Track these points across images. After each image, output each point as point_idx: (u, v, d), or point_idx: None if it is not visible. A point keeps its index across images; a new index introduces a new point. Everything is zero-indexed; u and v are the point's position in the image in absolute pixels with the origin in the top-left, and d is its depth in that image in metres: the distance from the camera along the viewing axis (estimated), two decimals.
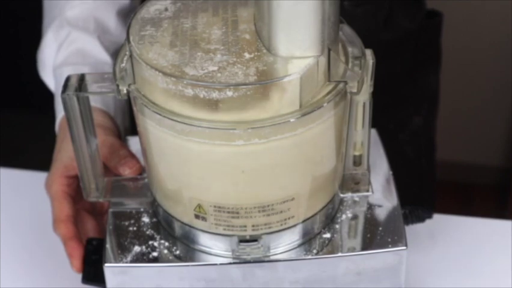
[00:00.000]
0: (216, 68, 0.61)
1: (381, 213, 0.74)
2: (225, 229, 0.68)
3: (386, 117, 0.94)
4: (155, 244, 0.72)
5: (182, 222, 0.70)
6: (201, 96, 0.60)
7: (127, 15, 0.97)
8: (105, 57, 0.90)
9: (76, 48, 0.90)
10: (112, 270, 0.70)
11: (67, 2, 0.93)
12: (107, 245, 0.72)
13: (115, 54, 0.90)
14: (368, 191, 0.75)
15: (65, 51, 0.90)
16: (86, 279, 0.75)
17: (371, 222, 0.73)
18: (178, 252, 0.71)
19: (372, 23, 0.98)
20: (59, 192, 0.78)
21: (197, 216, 0.68)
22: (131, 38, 0.65)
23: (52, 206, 0.79)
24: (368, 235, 0.72)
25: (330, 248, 0.71)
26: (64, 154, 0.80)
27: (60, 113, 0.87)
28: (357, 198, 0.75)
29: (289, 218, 0.68)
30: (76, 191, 0.79)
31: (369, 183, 0.75)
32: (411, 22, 1.03)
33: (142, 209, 0.75)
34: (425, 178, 1.15)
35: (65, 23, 0.92)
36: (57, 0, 0.95)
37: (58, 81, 0.88)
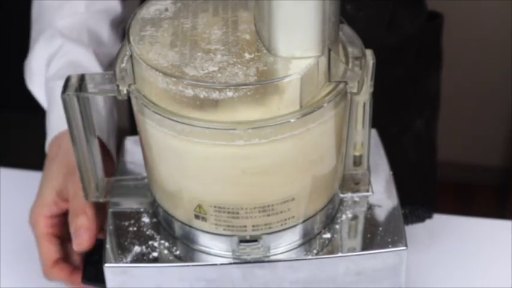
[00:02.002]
0: (216, 68, 0.61)
1: (381, 213, 0.74)
2: (225, 229, 0.68)
3: (388, 120, 0.94)
4: (155, 244, 0.72)
5: (182, 223, 0.70)
6: (201, 96, 0.60)
7: (118, 26, 0.95)
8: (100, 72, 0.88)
9: (70, 61, 0.87)
10: (112, 270, 0.70)
11: (57, 11, 0.91)
12: (107, 245, 0.72)
13: (109, 67, 0.88)
14: (368, 191, 0.75)
15: (57, 63, 0.86)
16: (86, 279, 0.75)
17: (371, 222, 0.73)
18: (178, 252, 0.71)
19: (375, 27, 0.97)
20: (44, 234, 0.78)
21: (197, 217, 0.68)
22: (131, 38, 0.65)
23: (38, 246, 0.78)
24: (368, 235, 0.72)
25: (330, 248, 0.71)
26: (46, 188, 0.79)
27: (52, 132, 0.84)
28: (357, 198, 0.75)
29: (289, 218, 0.68)
30: (62, 229, 0.78)
31: (369, 183, 0.75)
32: (413, 25, 1.02)
33: (142, 209, 0.75)
34: (427, 181, 1.14)
35: (57, 34, 0.88)
36: (47, 9, 0.92)
37: (50, 95, 0.86)
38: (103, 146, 0.82)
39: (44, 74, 0.88)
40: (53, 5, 0.92)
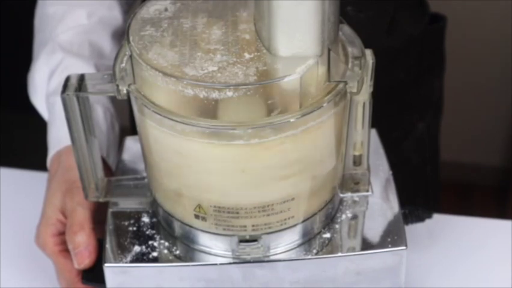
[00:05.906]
0: (215, 68, 0.61)
1: (381, 213, 0.74)
2: (224, 229, 0.68)
3: (390, 125, 0.93)
4: (155, 244, 0.72)
5: (182, 222, 0.70)
6: (201, 96, 0.60)
7: (120, 37, 0.94)
8: None
9: None
10: (112, 270, 0.71)
11: (59, 24, 0.90)
12: (107, 245, 0.72)
13: None
14: (367, 191, 0.75)
15: (58, 78, 0.85)
16: (86, 279, 0.75)
17: (370, 222, 0.73)
18: (178, 252, 0.71)
19: (375, 29, 0.97)
20: (56, 253, 0.77)
21: (197, 216, 0.68)
22: (131, 38, 0.65)
23: (55, 264, 0.78)
24: (368, 235, 0.72)
25: (330, 248, 0.71)
26: (48, 207, 0.78)
27: (52, 148, 0.83)
28: (357, 198, 0.75)
29: (289, 218, 0.69)
30: None
31: (369, 183, 0.75)
32: (415, 27, 1.02)
33: (142, 209, 0.75)
34: (430, 185, 1.14)
35: (58, 48, 0.88)
36: (49, 20, 0.91)
37: (50, 110, 0.85)
38: (103, 161, 0.82)
39: (45, 88, 0.88)
40: (55, 16, 0.91)
